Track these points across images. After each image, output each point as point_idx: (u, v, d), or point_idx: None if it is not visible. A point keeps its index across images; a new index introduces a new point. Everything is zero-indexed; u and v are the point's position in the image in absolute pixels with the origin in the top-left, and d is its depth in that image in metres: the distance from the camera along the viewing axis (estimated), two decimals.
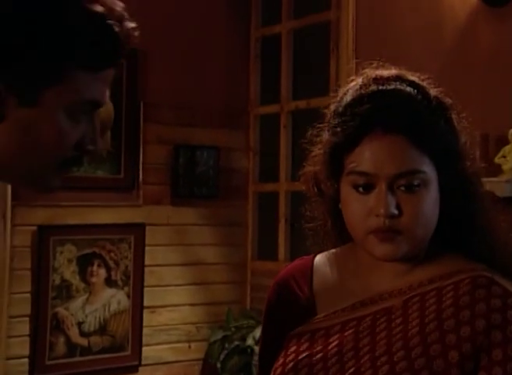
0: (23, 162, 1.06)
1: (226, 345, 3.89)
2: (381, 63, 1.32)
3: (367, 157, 1.22)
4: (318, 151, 1.33)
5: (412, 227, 1.23)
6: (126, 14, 1.08)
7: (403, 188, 1.22)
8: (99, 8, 1.05)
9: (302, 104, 4.01)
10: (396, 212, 1.22)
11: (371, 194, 1.23)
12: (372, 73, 1.29)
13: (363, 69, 1.31)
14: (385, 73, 1.29)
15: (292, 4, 4.14)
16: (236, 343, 3.86)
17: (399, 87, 1.25)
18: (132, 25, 1.08)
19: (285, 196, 4.11)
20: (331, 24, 3.82)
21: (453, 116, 1.29)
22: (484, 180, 1.36)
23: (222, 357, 3.88)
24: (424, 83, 1.29)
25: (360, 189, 1.24)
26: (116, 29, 1.06)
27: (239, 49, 4.24)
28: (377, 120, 1.22)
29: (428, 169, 1.23)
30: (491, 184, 2.46)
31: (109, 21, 1.05)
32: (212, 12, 4.15)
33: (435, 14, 3.31)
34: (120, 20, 1.07)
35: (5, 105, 1.02)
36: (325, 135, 1.30)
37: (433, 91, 1.28)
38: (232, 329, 3.95)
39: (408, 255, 1.26)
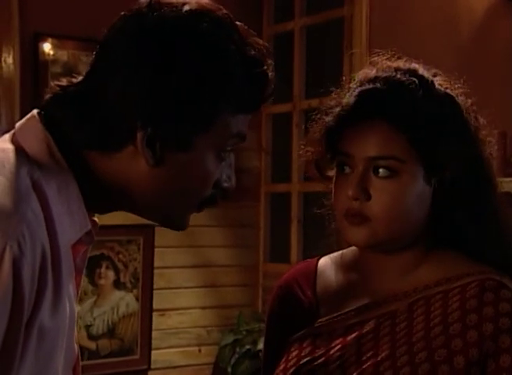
0: (170, 203, 1.07)
1: (237, 349, 3.88)
2: (391, 52, 1.30)
3: (350, 138, 1.23)
4: (314, 134, 1.31)
5: (382, 215, 1.20)
6: (268, 52, 1.09)
7: (377, 173, 1.21)
8: (253, 53, 1.05)
9: (315, 102, 3.94)
10: (361, 195, 1.21)
11: (351, 176, 1.23)
12: (384, 64, 1.28)
13: (374, 58, 1.30)
14: (395, 64, 1.27)
15: (305, 0, 4.11)
16: (248, 347, 3.84)
17: (393, 74, 1.24)
18: (271, 61, 1.09)
19: (297, 197, 4.07)
20: (344, 21, 3.79)
21: (462, 112, 1.25)
22: (501, 179, 1.31)
23: (232, 361, 3.87)
24: (428, 75, 1.26)
25: (343, 169, 1.24)
26: (269, 73, 1.06)
27: None
28: (364, 104, 1.22)
29: (411, 160, 1.21)
30: (508, 184, 2.39)
31: (264, 67, 1.05)
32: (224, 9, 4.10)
33: (451, 8, 3.26)
34: (267, 60, 1.07)
35: (165, 150, 1.03)
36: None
37: (440, 86, 1.25)
38: (244, 332, 3.93)
39: (384, 244, 1.23)
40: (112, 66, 1.03)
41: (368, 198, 1.20)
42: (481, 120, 1.28)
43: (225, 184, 1.10)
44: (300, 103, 4.07)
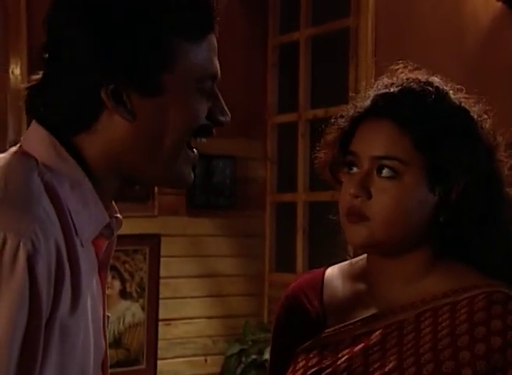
0: (165, 151, 1.05)
1: (243, 359, 3.87)
2: (407, 63, 1.33)
3: (359, 138, 1.25)
4: (329, 137, 1.32)
5: (380, 216, 1.21)
6: None
7: (381, 173, 1.22)
8: None
9: (320, 112, 3.95)
10: (362, 193, 1.22)
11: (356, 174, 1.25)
12: (403, 74, 1.30)
13: (396, 70, 1.32)
14: (413, 75, 1.29)
15: (310, 11, 4.12)
16: (253, 357, 3.84)
17: (407, 81, 1.26)
18: None
19: (303, 206, 4.07)
20: (350, 31, 3.79)
21: (475, 126, 1.26)
22: (509, 189, 1.31)
23: (238, 371, 3.86)
24: (444, 87, 1.27)
25: (351, 169, 1.25)
26: None
27: (256, 57, 4.22)
28: (375, 105, 1.25)
29: (415, 164, 1.21)
30: None
31: None
32: (229, 19, 4.11)
33: (457, 18, 3.26)
34: None
35: (135, 99, 1.02)
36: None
37: (454, 97, 1.26)
38: (250, 342, 3.93)
39: (381, 246, 1.23)
40: (56, 42, 1.04)
41: (369, 196, 1.21)
42: (500, 139, 1.28)
43: (221, 118, 1.09)
44: (306, 113, 4.08)
